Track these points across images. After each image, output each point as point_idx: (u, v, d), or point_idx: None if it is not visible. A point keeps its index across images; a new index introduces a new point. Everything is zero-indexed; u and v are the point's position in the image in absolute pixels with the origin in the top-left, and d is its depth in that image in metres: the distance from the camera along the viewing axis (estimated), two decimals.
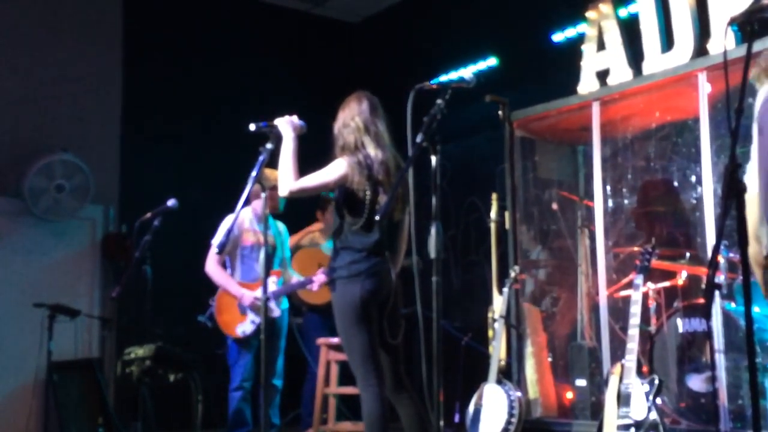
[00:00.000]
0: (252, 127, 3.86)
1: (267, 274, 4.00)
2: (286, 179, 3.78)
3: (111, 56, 7.70)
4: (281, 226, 5.69)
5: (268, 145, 3.83)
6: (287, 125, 3.86)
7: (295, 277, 5.54)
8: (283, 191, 3.80)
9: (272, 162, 3.85)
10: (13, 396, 6.90)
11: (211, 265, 5.36)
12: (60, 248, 7.33)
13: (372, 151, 3.77)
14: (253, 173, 3.79)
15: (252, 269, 5.38)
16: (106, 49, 7.69)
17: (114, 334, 7.14)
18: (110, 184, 7.54)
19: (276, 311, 5.35)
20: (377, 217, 3.49)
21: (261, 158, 3.82)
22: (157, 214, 5.43)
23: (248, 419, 5.33)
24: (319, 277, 5.26)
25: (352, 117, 3.84)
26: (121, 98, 7.71)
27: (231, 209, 3.72)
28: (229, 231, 4.07)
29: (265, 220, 4.30)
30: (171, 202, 5.46)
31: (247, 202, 3.91)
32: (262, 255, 4.11)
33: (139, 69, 7.74)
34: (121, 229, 7.48)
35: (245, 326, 5.31)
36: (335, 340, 5.34)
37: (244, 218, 5.44)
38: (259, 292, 5.18)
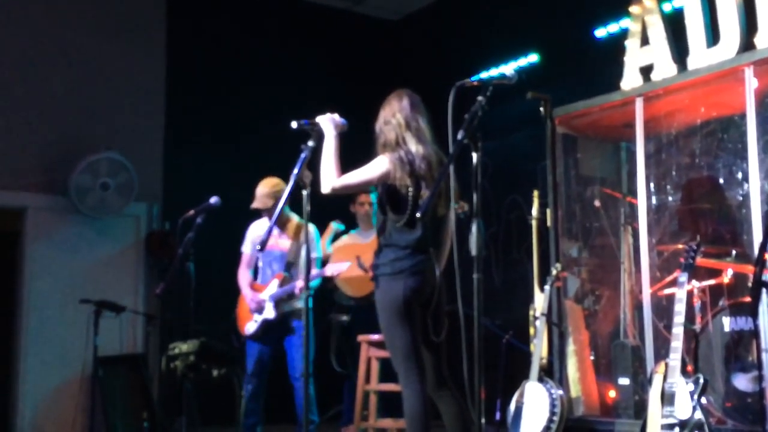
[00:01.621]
0: (294, 124, 3.88)
1: (308, 274, 4.03)
2: (329, 176, 3.79)
3: (155, 56, 7.79)
4: (310, 228, 5.76)
5: (310, 143, 3.84)
6: (329, 123, 3.87)
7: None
8: (325, 188, 3.80)
9: (314, 160, 3.86)
10: (61, 390, 7.03)
11: (240, 268, 5.76)
12: (105, 245, 7.45)
13: (413, 146, 3.76)
14: (295, 171, 3.81)
15: (265, 273, 5.73)
16: (150, 49, 7.79)
17: (158, 329, 7.22)
18: (154, 182, 7.64)
19: (271, 313, 5.56)
20: (418, 214, 3.48)
21: (302, 156, 3.83)
22: (200, 211, 5.50)
23: (257, 411, 5.58)
24: (299, 284, 5.45)
25: (392, 114, 3.84)
26: (164, 97, 7.81)
27: (273, 206, 3.73)
28: (270, 229, 4.16)
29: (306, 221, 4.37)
30: (214, 200, 5.53)
31: (287, 201, 3.94)
32: (303, 253, 4.13)
33: (182, 68, 7.83)
34: (165, 226, 7.57)
35: (251, 325, 5.63)
36: (376, 337, 5.35)
37: (262, 223, 5.75)
38: (262, 294, 5.63)
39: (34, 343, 7.07)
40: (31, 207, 7.23)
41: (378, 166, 3.76)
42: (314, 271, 5.51)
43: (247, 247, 5.76)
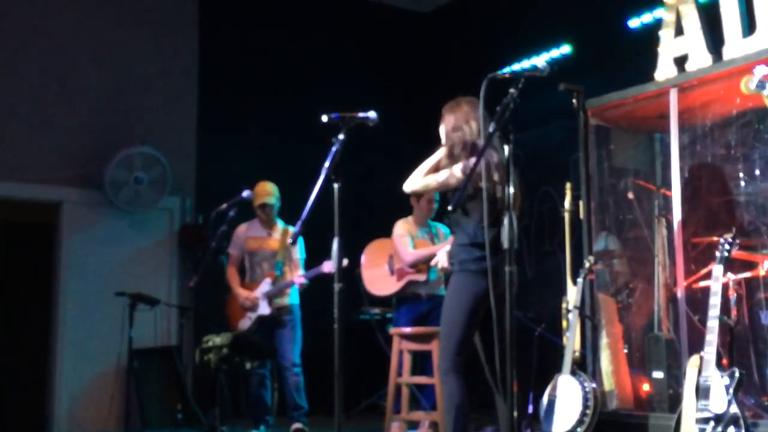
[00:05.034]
0: (324, 118, 3.87)
1: (339, 268, 4.04)
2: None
3: (188, 51, 7.85)
4: (291, 231, 6.01)
5: (341, 136, 3.84)
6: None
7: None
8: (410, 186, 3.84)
9: (344, 153, 3.84)
10: (97, 381, 7.12)
11: (229, 268, 6.06)
12: (139, 238, 7.53)
13: (488, 153, 3.76)
14: (326, 164, 3.80)
15: (254, 272, 6.02)
16: (183, 43, 7.85)
17: (192, 322, 7.29)
18: (187, 176, 7.71)
19: (266, 309, 5.87)
20: (449, 207, 3.49)
21: (334, 149, 3.83)
22: (232, 204, 5.56)
23: (266, 401, 5.90)
24: (299, 280, 5.85)
25: (465, 120, 3.89)
26: (197, 91, 7.86)
27: (305, 199, 3.73)
28: (302, 221, 4.20)
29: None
30: (246, 193, 5.59)
31: (319, 195, 3.94)
32: (335, 245, 4.13)
33: (214, 62, 7.88)
34: (198, 219, 7.63)
35: (244, 321, 5.92)
36: (407, 330, 5.36)
37: (249, 226, 6.06)
38: (255, 292, 5.93)
39: (70, 334, 7.17)
40: (66, 201, 7.33)
41: (456, 172, 3.79)
42: (308, 271, 5.89)
43: (234, 249, 6.06)
